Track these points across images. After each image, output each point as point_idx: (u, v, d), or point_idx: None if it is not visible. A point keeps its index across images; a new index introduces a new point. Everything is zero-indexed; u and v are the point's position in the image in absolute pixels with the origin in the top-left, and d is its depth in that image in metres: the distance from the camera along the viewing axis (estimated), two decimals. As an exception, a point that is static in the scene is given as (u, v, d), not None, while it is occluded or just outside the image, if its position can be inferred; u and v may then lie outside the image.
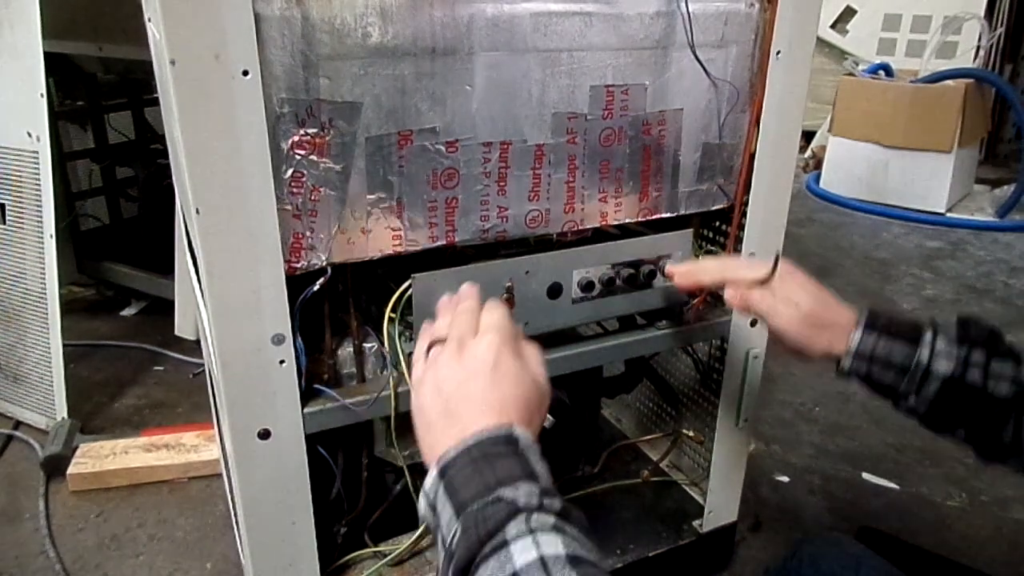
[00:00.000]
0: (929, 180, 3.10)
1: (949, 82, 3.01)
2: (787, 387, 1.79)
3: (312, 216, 0.71)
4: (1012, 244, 2.87)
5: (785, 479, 1.48)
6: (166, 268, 1.91)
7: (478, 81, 0.74)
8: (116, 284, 2.13)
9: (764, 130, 0.90)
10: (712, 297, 0.99)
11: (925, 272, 2.58)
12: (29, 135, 1.47)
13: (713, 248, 1.01)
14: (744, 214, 0.95)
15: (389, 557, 0.98)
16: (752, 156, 0.92)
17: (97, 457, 1.44)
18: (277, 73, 0.65)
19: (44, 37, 1.44)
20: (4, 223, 1.55)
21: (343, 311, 0.81)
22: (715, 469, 1.10)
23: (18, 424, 1.60)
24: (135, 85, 2.15)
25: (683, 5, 0.81)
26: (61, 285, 1.54)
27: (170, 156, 1.11)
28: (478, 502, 0.47)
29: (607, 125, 0.83)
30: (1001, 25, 3.71)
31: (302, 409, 0.77)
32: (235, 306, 0.69)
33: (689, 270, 0.85)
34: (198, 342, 1.82)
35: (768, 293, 0.76)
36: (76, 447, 1.47)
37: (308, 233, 0.71)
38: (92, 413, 1.66)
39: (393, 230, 0.75)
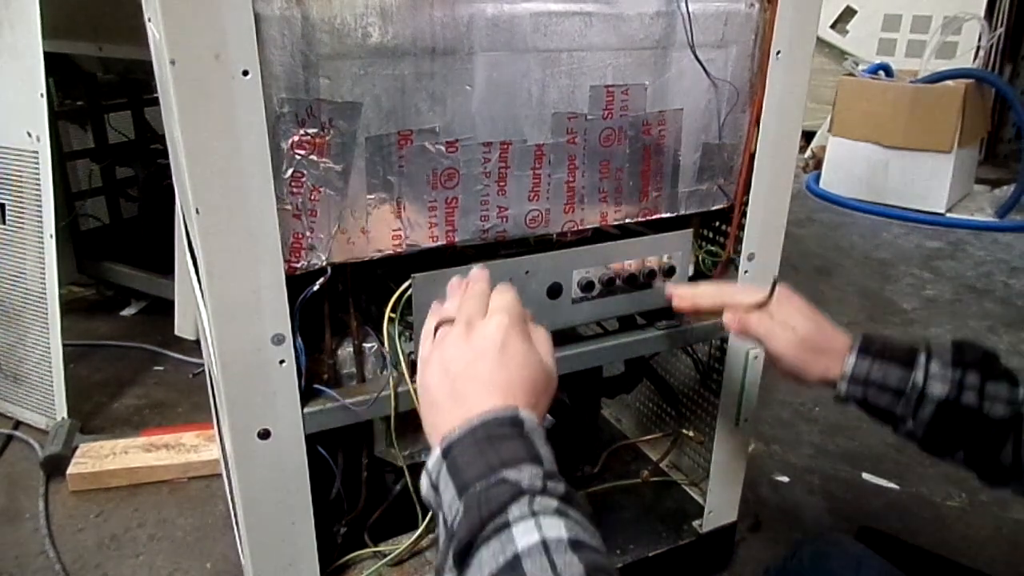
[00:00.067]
0: (929, 180, 3.10)
1: (949, 82, 3.01)
2: (787, 387, 1.79)
3: (312, 216, 0.71)
4: (1012, 244, 2.87)
5: (785, 479, 1.48)
6: (166, 268, 1.91)
7: (478, 81, 0.74)
8: (116, 284, 2.13)
9: (764, 130, 0.90)
10: None
11: (925, 272, 2.58)
12: (29, 135, 1.47)
13: (713, 248, 1.01)
14: (744, 214, 0.95)
15: (389, 557, 0.98)
16: (752, 156, 0.92)
17: (97, 457, 1.44)
18: (277, 73, 0.65)
19: (44, 37, 1.44)
20: (4, 223, 1.55)
21: (343, 311, 0.81)
22: (715, 469, 1.10)
23: (18, 424, 1.60)
24: (135, 85, 2.14)
25: (683, 5, 0.81)
26: (61, 285, 1.53)
27: (170, 156, 1.10)
28: (481, 483, 0.47)
29: (607, 125, 0.83)
30: (1001, 25, 3.71)
31: (302, 409, 0.77)
32: (235, 306, 0.69)
33: (688, 294, 0.86)
34: (198, 342, 1.82)
35: (766, 317, 0.78)
36: (76, 447, 1.47)
37: (308, 233, 0.71)
38: (92, 413, 1.66)
39: (393, 230, 0.75)
